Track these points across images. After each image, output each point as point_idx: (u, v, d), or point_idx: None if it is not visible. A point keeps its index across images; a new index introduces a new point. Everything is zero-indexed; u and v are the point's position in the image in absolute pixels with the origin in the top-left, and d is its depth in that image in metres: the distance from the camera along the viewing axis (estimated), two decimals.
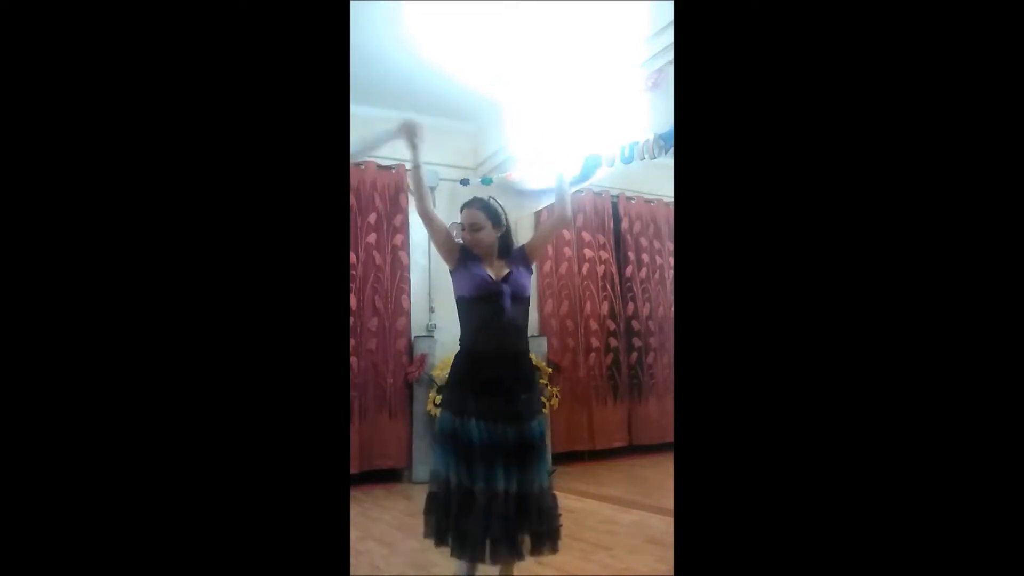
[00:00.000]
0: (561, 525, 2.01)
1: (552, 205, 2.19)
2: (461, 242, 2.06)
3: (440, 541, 1.93)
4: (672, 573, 1.06)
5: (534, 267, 2.18)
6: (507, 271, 2.01)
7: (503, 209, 2.06)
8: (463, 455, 1.87)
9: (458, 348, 2.03)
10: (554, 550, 1.97)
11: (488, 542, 1.84)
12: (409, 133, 2.01)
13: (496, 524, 1.83)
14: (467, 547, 1.86)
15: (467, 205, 2.04)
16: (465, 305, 2.00)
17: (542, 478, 1.95)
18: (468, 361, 1.97)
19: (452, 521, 1.88)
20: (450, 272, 2.06)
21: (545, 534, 1.94)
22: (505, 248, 2.07)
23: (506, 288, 1.95)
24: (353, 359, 4.26)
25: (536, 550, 1.93)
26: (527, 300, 2.03)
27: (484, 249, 2.02)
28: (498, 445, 1.86)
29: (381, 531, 3.10)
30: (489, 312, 1.94)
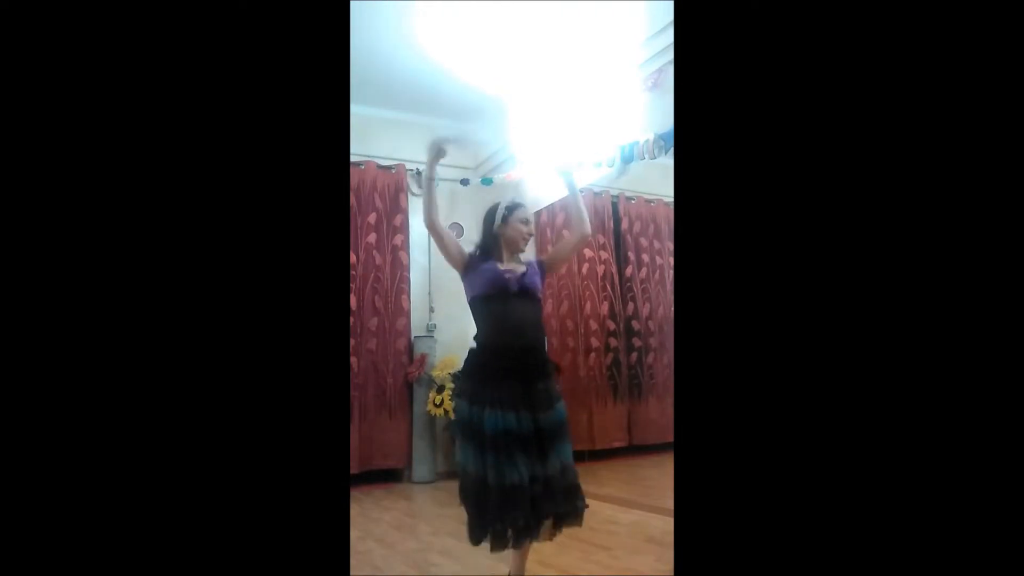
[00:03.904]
0: (586, 503, 2.03)
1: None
2: (471, 249, 2.13)
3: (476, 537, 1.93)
4: (672, 573, 1.06)
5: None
6: (523, 270, 2.05)
7: None
8: (477, 444, 1.89)
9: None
10: (578, 523, 2.00)
11: (509, 529, 1.86)
12: (439, 149, 2.07)
13: (513, 512, 1.84)
14: (488, 536, 1.88)
15: (519, 205, 2.12)
16: (480, 303, 2.02)
17: (564, 457, 1.96)
18: (485, 354, 1.99)
19: (474, 510, 1.90)
20: (462, 277, 2.08)
21: (570, 512, 1.96)
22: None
23: (518, 283, 1.99)
24: (353, 359, 4.27)
25: (557, 527, 1.96)
26: (539, 300, 2.07)
27: (525, 244, 2.12)
28: (514, 433, 1.86)
29: (381, 531, 3.11)
30: (504, 308, 1.97)
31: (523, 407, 1.89)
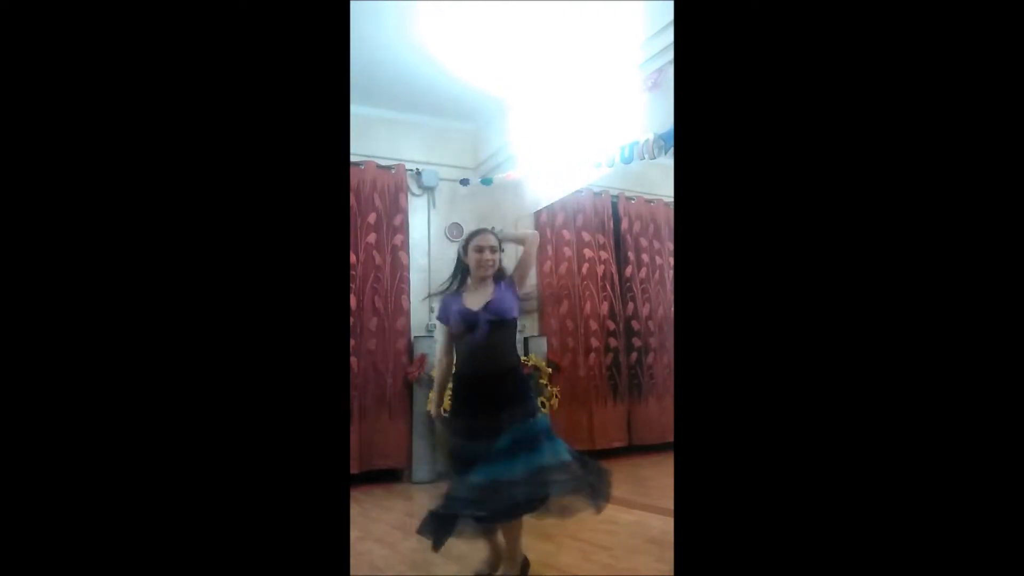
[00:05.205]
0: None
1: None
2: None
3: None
4: (672, 573, 1.06)
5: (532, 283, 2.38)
6: (489, 299, 2.17)
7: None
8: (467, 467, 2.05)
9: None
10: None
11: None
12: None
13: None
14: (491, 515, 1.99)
15: (477, 233, 2.27)
16: (456, 339, 2.24)
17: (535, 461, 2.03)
18: (462, 384, 2.19)
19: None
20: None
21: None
22: (500, 271, 2.28)
23: (483, 316, 2.13)
24: (353, 359, 4.26)
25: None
26: (512, 322, 2.21)
27: (492, 270, 2.24)
28: (485, 450, 2.01)
29: (381, 531, 3.10)
30: (474, 339, 2.14)
31: (490, 433, 2.03)
